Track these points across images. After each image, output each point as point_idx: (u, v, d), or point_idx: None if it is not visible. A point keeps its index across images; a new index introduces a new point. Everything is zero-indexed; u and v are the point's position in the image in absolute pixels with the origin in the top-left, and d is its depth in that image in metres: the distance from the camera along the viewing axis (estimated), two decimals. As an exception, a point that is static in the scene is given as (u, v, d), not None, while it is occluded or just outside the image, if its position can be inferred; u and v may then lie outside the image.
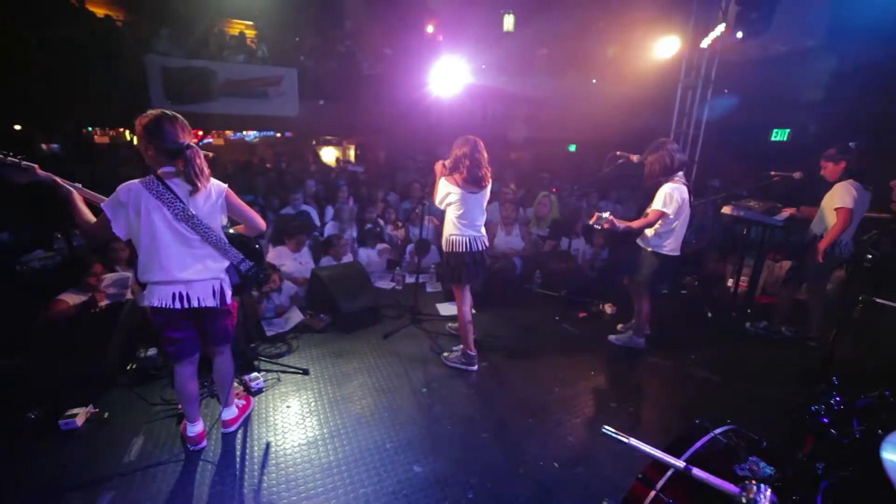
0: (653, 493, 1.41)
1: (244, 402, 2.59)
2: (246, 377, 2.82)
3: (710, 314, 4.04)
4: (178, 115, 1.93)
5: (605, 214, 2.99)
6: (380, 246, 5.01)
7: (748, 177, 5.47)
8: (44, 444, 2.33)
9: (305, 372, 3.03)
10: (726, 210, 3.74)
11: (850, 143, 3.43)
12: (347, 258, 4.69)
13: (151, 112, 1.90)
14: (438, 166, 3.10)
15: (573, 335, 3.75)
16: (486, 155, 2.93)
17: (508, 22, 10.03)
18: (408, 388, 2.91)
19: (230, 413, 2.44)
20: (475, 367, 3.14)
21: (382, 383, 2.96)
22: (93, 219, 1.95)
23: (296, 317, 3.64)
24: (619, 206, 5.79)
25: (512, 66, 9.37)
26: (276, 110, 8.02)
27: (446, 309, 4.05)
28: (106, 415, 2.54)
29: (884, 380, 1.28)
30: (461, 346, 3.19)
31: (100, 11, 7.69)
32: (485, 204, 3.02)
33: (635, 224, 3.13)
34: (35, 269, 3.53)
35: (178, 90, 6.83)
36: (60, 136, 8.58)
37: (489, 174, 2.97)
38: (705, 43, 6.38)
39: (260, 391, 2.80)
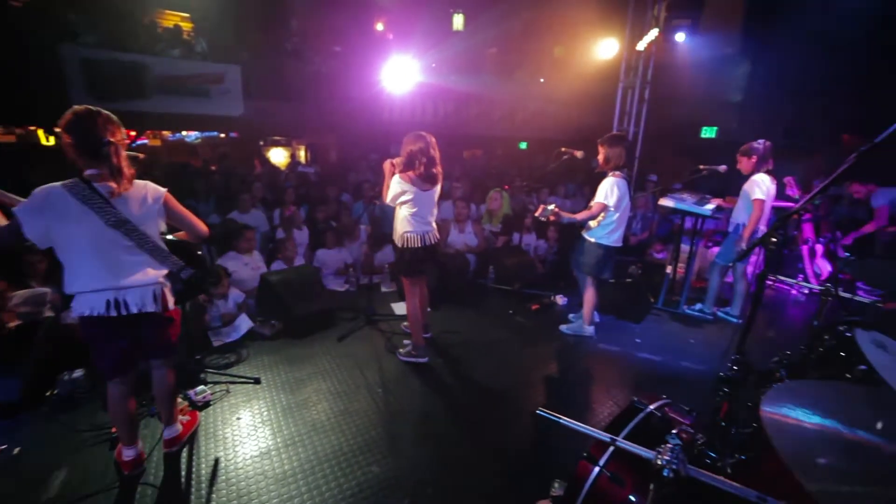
0: (596, 469, 1.51)
1: (189, 419, 2.45)
2: (190, 392, 2.67)
3: (652, 299, 4.31)
4: (101, 110, 1.80)
5: (551, 207, 3.11)
6: (335, 248, 4.90)
7: (682, 171, 5.88)
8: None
9: (257, 381, 2.92)
10: (664, 202, 4.00)
11: (759, 141, 3.78)
12: (299, 261, 4.56)
13: (74, 108, 1.76)
14: (387, 165, 3.09)
15: (526, 327, 3.86)
16: (438, 153, 2.97)
17: (458, 21, 10.14)
18: (364, 390, 2.88)
19: (173, 431, 2.30)
20: (426, 359, 3.18)
21: (338, 386, 2.91)
22: (2, 222, 1.77)
23: (245, 324, 3.49)
24: (568, 201, 6.03)
25: (462, 65, 9.46)
26: (219, 109, 7.62)
27: (401, 308, 4.03)
28: (16, 450, 2.26)
29: (781, 347, 1.44)
30: (412, 340, 3.22)
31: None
32: (436, 200, 3.07)
33: (579, 216, 3.28)
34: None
35: (103, 85, 6.26)
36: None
37: (440, 172, 3.03)
38: (641, 46, 6.79)
39: (207, 405, 2.66)
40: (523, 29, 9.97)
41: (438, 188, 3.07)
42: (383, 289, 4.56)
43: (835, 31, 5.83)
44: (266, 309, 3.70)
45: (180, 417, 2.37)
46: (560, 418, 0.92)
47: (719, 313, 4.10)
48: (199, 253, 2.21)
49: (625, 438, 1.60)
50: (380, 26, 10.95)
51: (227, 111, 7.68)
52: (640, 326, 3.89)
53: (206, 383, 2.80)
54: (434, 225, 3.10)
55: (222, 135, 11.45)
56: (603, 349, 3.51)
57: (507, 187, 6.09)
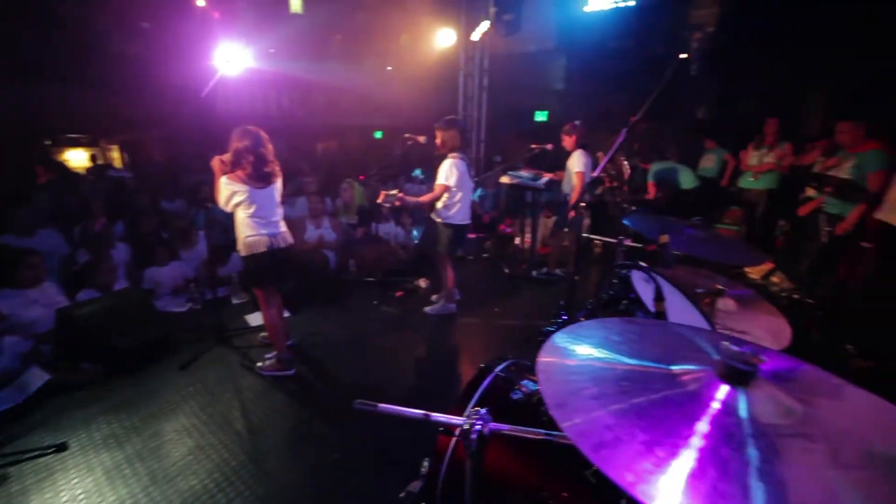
0: (454, 440, 1.58)
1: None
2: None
3: (507, 270, 4.75)
4: None
5: (393, 192, 3.14)
6: (169, 263, 4.18)
7: (523, 151, 6.58)
8: None
9: (60, 447, 2.30)
10: (504, 180, 4.39)
11: (576, 122, 4.41)
12: (121, 285, 3.78)
13: None
14: (216, 162, 2.74)
15: (393, 315, 3.87)
16: (271, 147, 2.75)
17: (295, 2, 9.40)
18: (219, 418, 2.54)
19: None
20: (293, 371, 2.97)
21: (186, 422, 2.51)
22: None
23: (37, 379, 2.72)
24: (425, 186, 6.20)
25: (306, 52, 8.83)
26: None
27: (256, 319, 3.66)
28: None
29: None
30: (275, 352, 2.97)
31: None
32: (278, 198, 2.84)
33: (423, 199, 3.40)
34: None
35: None
36: None
37: (277, 168, 2.80)
38: (475, 36, 7.25)
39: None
40: (368, 16, 9.75)
41: (279, 185, 2.84)
42: (234, 300, 4.07)
43: (617, 37, 7.20)
44: (70, 352, 2.96)
45: None
46: (375, 406, 0.92)
47: (561, 273, 4.73)
48: None
49: (475, 405, 1.71)
50: (200, 2, 9.50)
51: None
52: (497, 296, 4.25)
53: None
54: (283, 226, 2.86)
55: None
56: (466, 323, 3.73)
57: (361, 177, 5.98)
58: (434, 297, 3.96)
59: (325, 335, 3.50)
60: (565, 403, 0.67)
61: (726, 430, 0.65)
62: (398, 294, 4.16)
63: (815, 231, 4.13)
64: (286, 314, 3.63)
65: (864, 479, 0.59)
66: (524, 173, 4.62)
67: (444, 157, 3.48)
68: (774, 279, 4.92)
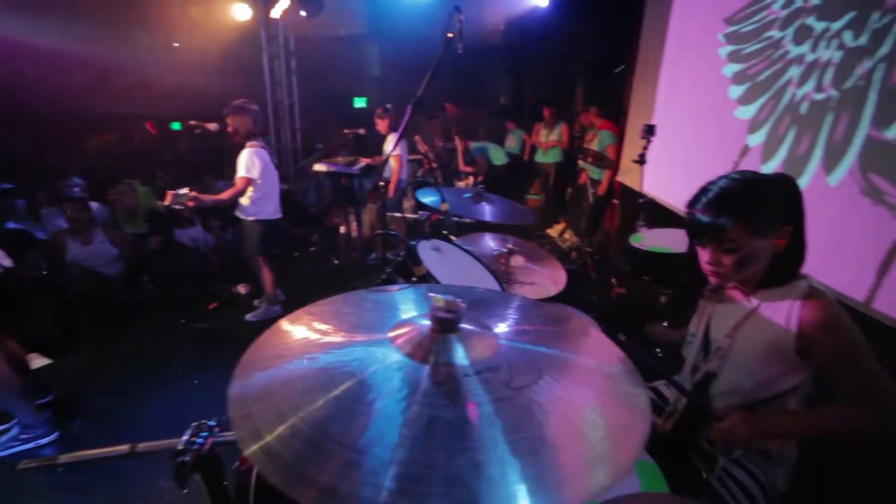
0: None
1: None
2: None
3: (336, 261, 4.62)
4: None
5: (184, 191, 2.68)
6: None
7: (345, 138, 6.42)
8: None
9: None
10: (318, 167, 4.20)
11: (387, 105, 4.47)
12: None
13: None
14: None
15: (206, 332, 3.37)
16: None
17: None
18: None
19: None
20: (52, 437, 2.29)
21: None
22: None
23: None
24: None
25: (40, 10, 6.58)
26: None
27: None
28: None
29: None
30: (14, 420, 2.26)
31: None
32: None
33: (223, 195, 3.02)
34: None
35: None
36: None
37: None
38: (275, 13, 6.64)
39: None
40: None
41: None
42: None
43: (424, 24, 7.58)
44: None
45: None
46: (56, 459, 0.73)
47: (391, 257, 4.81)
48: None
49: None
50: None
51: None
52: (326, 290, 4.08)
53: None
54: None
55: None
56: (295, 323, 3.49)
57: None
58: (256, 303, 3.59)
59: (110, 375, 2.82)
60: (250, 406, 0.64)
61: (445, 382, 0.70)
62: (211, 306, 3.63)
63: (586, 194, 5.17)
64: (41, 362, 2.81)
65: (540, 389, 0.70)
66: (339, 160, 4.52)
67: (242, 147, 3.11)
68: (566, 235, 6.05)
